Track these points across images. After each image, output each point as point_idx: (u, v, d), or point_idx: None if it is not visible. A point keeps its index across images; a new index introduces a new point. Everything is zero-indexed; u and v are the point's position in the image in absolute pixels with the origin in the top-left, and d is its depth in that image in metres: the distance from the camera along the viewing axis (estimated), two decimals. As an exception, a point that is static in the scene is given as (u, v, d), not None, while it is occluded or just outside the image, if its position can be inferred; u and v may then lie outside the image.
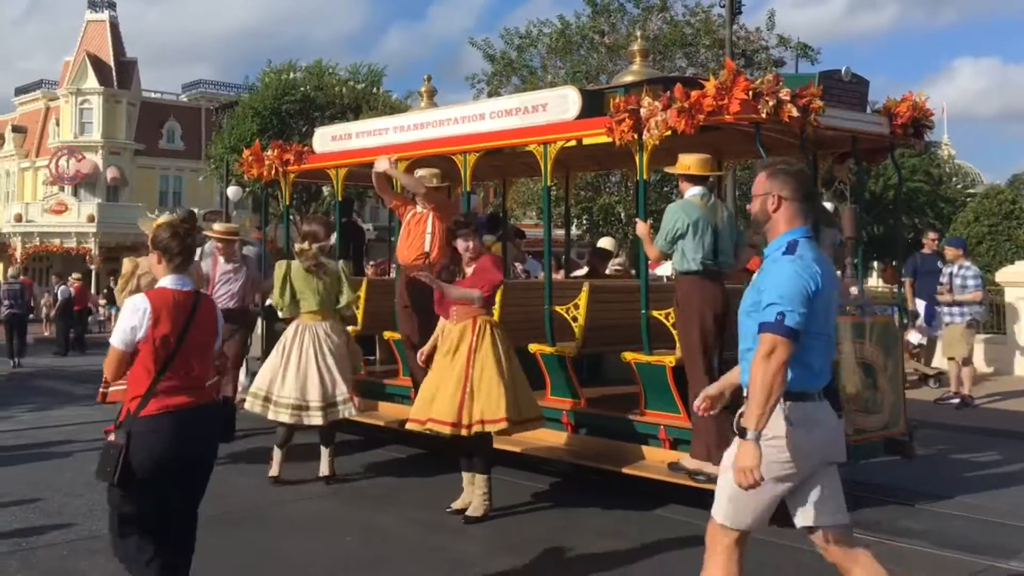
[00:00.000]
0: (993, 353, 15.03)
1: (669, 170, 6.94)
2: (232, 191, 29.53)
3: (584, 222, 25.27)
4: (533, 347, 7.57)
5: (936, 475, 7.81)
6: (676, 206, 6.68)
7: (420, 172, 8.07)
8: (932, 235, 13.71)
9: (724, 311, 6.47)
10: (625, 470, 6.87)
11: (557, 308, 7.56)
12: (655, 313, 6.98)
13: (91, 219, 43.26)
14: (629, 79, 8.30)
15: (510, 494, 7.23)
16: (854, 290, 7.95)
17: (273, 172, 10.24)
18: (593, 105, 7.45)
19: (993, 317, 15.74)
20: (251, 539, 6.09)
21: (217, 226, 9.26)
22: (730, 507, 3.77)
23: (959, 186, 44.57)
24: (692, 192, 6.67)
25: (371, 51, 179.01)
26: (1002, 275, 15.60)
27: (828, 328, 3.78)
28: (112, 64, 47.36)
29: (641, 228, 6.90)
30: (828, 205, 25.03)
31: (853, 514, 6.45)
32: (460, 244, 6.51)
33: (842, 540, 3.79)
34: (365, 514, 6.66)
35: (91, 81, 46.68)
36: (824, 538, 3.79)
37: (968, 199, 36.06)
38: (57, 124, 47.98)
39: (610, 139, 6.94)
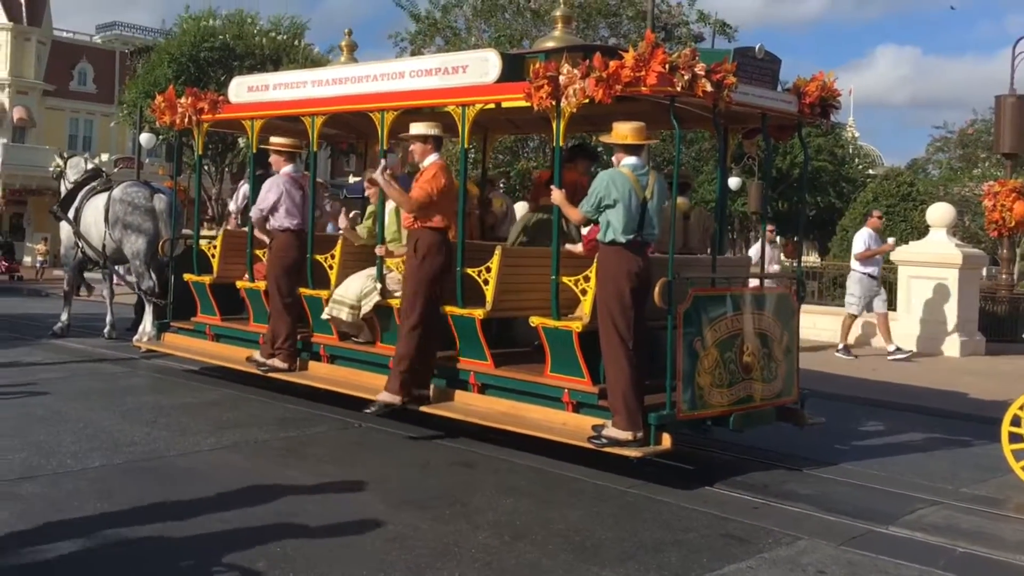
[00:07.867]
0: (886, 329, 15.73)
1: (604, 139, 6.99)
2: (145, 138, 28.79)
3: (501, 186, 25.35)
4: (446, 309, 7.63)
5: (824, 443, 8.12)
6: (606, 175, 6.68)
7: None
8: None
9: (645, 282, 6.56)
10: (529, 431, 6.98)
11: (468, 270, 7.60)
12: (565, 279, 7.09)
13: (-5, 160, 41.59)
14: (550, 45, 8.31)
15: (414, 451, 7.34)
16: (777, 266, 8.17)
17: (186, 120, 10.03)
18: (513, 69, 7.48)
19: (888, 295, 16.54)
20: (157, 490, 6.02)
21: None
22: None
23: (860, 167, 45.46)
24: (627, 162, 6.68)
25: (315, 6, 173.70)
26: (897, 255, 16.27)
27: None
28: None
29: (556, 195, 7.00)
30: (735, 180, 25.82)
31: (743, 476, 6.79)
32: None
33: None
34: (273, 468, 6.65)
35: (-2, 16, 44.73)
36: None
37: (868, 180, 36.98)
38: (-39, 60, 45.89)
39: (528, 104, 7.01)
